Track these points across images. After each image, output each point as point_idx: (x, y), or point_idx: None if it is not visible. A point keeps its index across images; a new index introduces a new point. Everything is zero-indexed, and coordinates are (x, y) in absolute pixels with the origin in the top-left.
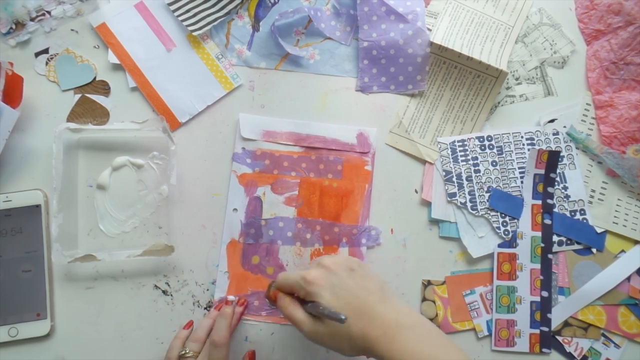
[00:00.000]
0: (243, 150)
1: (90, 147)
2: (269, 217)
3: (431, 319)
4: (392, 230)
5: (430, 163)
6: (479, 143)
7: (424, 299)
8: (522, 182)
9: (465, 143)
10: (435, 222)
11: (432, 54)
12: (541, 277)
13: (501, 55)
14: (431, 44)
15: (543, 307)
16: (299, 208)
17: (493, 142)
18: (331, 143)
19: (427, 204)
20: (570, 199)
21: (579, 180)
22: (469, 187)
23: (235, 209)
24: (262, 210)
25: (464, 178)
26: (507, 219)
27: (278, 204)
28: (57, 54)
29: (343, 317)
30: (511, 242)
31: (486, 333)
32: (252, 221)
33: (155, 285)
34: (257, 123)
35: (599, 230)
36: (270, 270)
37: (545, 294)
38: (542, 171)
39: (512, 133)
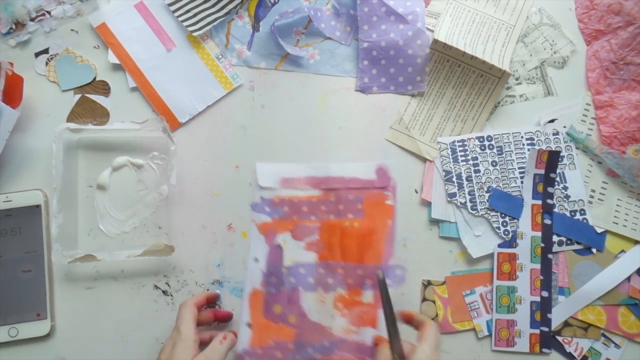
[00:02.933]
0: (262, 200)
1: (90, 147)
2: (290, 265)
3: (431, 319)
4: None
5: (430, 161)
6: (479, 143)
7: (424, 299)
8: (522, 182)
9: (465, 143)
10: (435, 222)
11: (435, 51)
12: (541, 277)
13: (503, 55)
14: (435, 41)
15: (543, 307)
16: (320, 252)
17: (493, 142)
18: (350, 182)
19: (427, 204)
20: (570, 199)
21: (579, 180)
22: (469, 187)
23: (256, 259)
24: (283, 257)
25: (464, 178)
26: (507, 219)
27: (299, 250)
28: (57, 54)
29: None
30: (511, 242)
31: (486, 333)
32: (273, 269)
33: (155, 285)
34: (274, 171)
35: (599, 230)
36: (292, 318)
37: (545, 294)
38: (542, 171)
39: (512, 133)
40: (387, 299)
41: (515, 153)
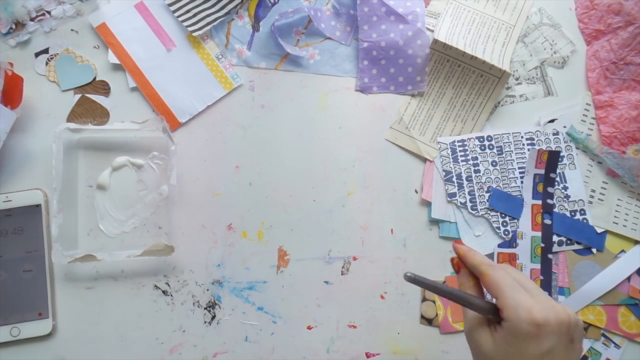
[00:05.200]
0: None
1: (90, 147)
2: None
3: (431, 319)
4: (392, 230)
5: (430, 161)
6: (479, 143)
7: (424, 299)
8: (522, 182)
9: (465, 143)
10: (435, 222)
11: (435, 51)
12: (541, 277)
13: (503, 55)
14: (435, 41)
15: None
16: None
17: (493, 142)
18: None
19: (427, 204)
20: (570, 199)
21: (579, 180)
22: (469, 187)
23: None
24: None
25: (464, 178)
26: (507, 219)
27: None
28: (57, 54)
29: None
30: (511, 242)
31: None
32: None
33: (155, 285)
34: None
35: (599, 230)
36: None
37: None
38: (542, 171)
39: (512, 133)
40: (435, 288)
41: (515, 153)
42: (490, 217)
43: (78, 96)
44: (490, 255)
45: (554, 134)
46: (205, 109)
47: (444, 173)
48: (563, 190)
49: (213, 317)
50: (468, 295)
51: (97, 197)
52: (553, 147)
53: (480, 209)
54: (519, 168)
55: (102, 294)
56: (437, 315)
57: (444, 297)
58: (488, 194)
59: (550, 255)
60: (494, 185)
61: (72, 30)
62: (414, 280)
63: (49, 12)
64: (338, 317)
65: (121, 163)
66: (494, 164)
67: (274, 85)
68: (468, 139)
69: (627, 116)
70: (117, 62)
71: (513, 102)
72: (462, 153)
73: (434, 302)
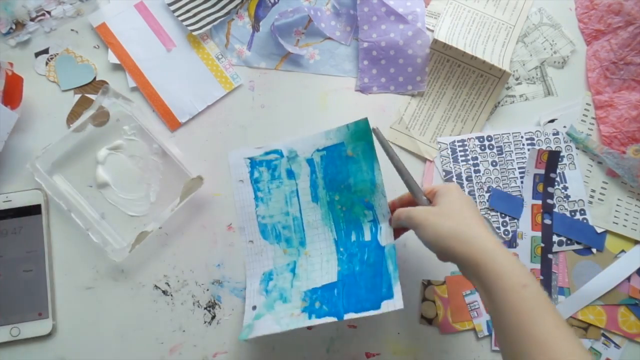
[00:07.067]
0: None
1: (67, 159)
2: None
3: (431, 319)
4: None
5: (430, 161)
6: (479, 143)
7: (424, 299)
8: (522, 182)
9: (465, 143)
10: None
11: (435, 51)
12: (541, 277)
13: (503, 55)
14: (435, 41)
15: None
16: None
17: (493, 142)
18: None
19: None
20: (570, 199)
21: (579, 180)
22: (469, 187)
23: None
24: None
25: (464, 178)
26: (507, 219)
27: None
28: (57, 54)
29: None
30: (511, 242)
31: (486, 333)
32: None
33: (155, 285)
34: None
35: (599, 230)
36: None
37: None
38: (542, 171)
39: (512, 133)
40: (393, 151)
41: (515, 153)
42: (490, 217)
43: (78, 96)
44: None
45: (554, 134)
46: (205, 109)
47: (444, 173)
48: (563, 190)
49: (213, 317)
50: (415, 183)
51: (104, 193)
52: (553, 147)
53: (480, 209)
54: (519, 168)
55: (102, 294)
56: (437, 315)
57: (395, 166)
58: (488, 194)
59: (550, 255)
60: (494, 185)
61: (72, 30)
62: (377, 133)
63: (49, 12)
64: None
65: (104, 156)
66: (494, 164)
67: (274, 85)
68: (468, 139)
69: (627, 116)
70: (117, 62)
71: (513, 102)
72: (462, 153)
73: (433, 302)
